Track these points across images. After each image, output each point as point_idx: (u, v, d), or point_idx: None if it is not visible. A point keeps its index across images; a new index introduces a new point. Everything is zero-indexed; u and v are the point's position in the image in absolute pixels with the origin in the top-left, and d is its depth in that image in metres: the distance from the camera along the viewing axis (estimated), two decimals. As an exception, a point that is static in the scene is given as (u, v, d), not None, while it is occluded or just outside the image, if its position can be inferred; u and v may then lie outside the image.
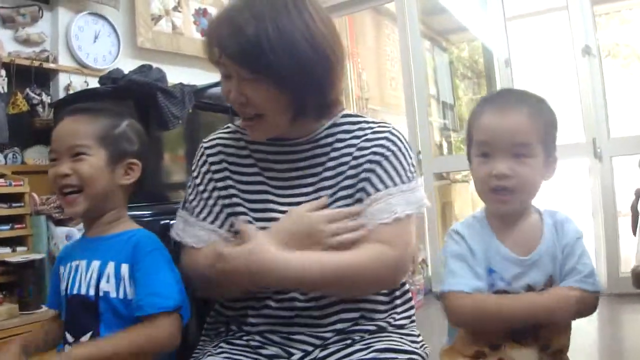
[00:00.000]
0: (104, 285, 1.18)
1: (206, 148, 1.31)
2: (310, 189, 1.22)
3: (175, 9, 3.64)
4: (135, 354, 1.12)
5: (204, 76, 3.22)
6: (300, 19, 1.12)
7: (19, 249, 2.54)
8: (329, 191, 1.21)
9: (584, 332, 2.88)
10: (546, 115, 1.12)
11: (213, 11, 3.78)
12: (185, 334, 1.25)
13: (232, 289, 1.21)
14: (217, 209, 1.26)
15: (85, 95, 2.83)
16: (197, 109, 2.88)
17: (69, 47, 3.17)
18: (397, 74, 4.72)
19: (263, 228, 1.19)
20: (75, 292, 1.20)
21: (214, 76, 3.23)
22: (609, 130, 3.79)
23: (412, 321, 1.28)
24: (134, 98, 2.61)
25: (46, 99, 3.00)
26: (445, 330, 1.25)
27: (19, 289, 2.44)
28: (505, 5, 4.07)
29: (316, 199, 1.21)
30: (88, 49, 3.23)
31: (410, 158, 1.24)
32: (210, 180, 1.27)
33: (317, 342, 1.18)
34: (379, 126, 1.24)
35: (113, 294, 1.18)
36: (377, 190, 1.19)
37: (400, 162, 1.21)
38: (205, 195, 1.27)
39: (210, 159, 1.29)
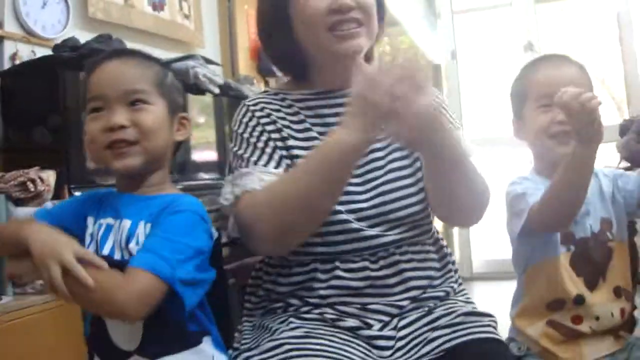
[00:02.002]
0: (132, 247, 1.03)
1: (250, 106, 1.25)
2: None
3: (128, -21, 3.39)
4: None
5: (155, 54, 3.00)
6: None
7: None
8: (382, 143, 1.20)
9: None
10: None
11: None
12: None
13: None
14: (276, 156, 1.18)
15: (44, 63, 2.57)
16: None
17: (15, 12, 2.85)
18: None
19: None
20: (106, 253, 1.05)
21: (165, 53, 3.09)
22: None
23: (464, 289, 1.28)
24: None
25: (-11, 68, 2.68)
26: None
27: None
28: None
29: (370, 151, 1.19)
30: (36, 16, 2.93)
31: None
32: (262, 132, 1.20)
33: (394, 311, 1.14)
34: None
35: None
36: None
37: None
38: (260, 144, 1.19)
39: (258, 114, 1.23)
